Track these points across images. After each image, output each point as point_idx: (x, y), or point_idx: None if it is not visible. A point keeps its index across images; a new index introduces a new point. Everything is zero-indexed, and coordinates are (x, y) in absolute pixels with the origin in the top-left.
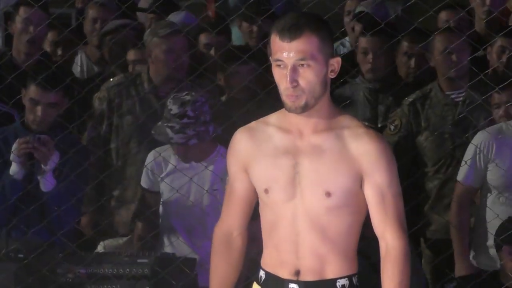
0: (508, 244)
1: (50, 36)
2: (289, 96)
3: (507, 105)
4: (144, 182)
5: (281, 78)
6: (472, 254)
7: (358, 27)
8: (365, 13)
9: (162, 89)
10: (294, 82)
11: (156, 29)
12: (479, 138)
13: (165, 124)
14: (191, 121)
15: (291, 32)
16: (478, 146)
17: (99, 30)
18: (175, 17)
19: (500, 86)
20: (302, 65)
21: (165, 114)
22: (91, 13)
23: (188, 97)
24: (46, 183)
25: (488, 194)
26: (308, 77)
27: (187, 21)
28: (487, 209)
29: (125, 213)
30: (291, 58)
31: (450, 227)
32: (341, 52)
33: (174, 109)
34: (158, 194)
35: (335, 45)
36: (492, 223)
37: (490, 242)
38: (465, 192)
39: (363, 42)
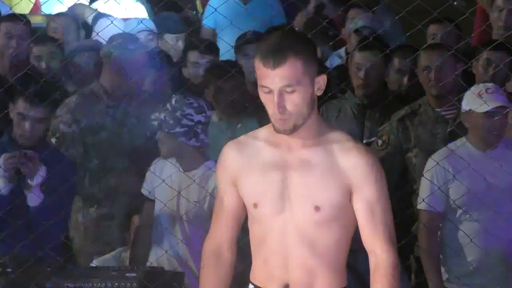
0: None
1: (35, 50)
2: (277, 120)
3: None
4: (144, 190)
5: (268, 102)
6: (445, 276)
7: (355, 41)
8: (368, 29)
9: (120, 98)
10: (281, 107)
11: (124, 44)
12: (432, 163)
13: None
14: (167, 108)
15: (275, 58)
16: (433, 172)
17: (61, 39)
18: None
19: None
20: (288, 90)
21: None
22: (51, 24)
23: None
24: (33, 198)
25: (454, 214)
26: (295, 101)
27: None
28: (457, 229)
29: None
30: (276, 84)
31: (421, 257)
32: (336, 64)
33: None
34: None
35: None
36: (462, 242)
37: (464, 261)
38: (432, 219)
39: (357, 57)
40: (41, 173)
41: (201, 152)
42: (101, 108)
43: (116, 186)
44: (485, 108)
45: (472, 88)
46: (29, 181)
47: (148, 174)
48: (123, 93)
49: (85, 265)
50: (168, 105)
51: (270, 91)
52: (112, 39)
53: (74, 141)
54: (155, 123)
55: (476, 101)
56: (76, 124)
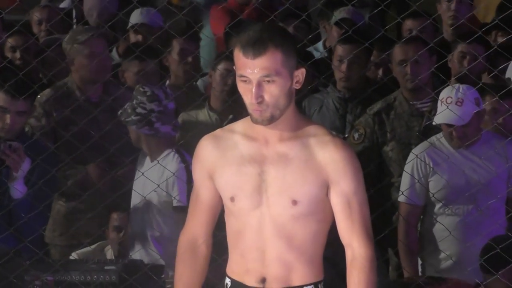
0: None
1: (10, 41)
2: (254, 110)
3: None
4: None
5: (246, 92)
6: (420, 269)
7: (336, 33)
8: (348, 20)
9: (93, 94)
10: (260, 97)
11: (74, 36)
12: (413, 156)
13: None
14: (137, 101)
15: (255, 49)
16: (414, 164)
17: (45, 31)
18: (139, 14)
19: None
20: (267, 81)
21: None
22: (35, 16)
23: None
24: (17, 190)
25: (433, 208)
26: (273, 92)
27: (153, 19)
28: (435, 222)
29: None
30: (255, 74)
31: (399, 248)
32: (315, 57)
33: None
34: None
35: (309, 49)
36: (441, 236)
37: (443, 255)
38: (411, 212)
39: (340, 50)
40: (25, 165)
41: (163, 142)
42: (73, 103)
43: (84, 181)
44: (437, 118)
45: (444, 90)
46: (14, 173)
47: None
48: (95, 87)
49: (55, 258)
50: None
51: (249, 81)
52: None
53: (43, 134)
54: (119, 113)
55: (439, 106)
56: (46, 118)
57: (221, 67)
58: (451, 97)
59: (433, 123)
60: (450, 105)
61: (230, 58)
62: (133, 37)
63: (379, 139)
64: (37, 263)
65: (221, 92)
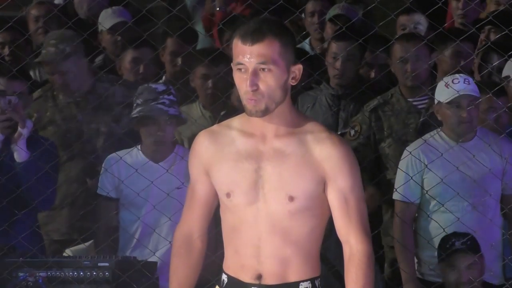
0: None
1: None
2: (249, 100)
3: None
4: (101, 190)
5: (241, 81)
6: (418, 267)
7: (331, 30)
8: (343, 16)
9: (76, 95)
10: (255, 86)
11: (48, 38)
12: (407, 153)
13: (155, 103)
14: (175, 99)
15: (253, 36)
16: (409, 161)
17: (42, 27)
18: (112, 15)
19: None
20: (263, 69)
21: (148, 96)
22: (32, 12)
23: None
24: (21, 152)
25: (428, 205)
26: (269, 81)
27: (126, 16)
28: (430, 220)
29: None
30: (252, 61)
31: (395, 246)
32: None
33: (160, 87)
34: (114, 200)
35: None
36: (436, 233)
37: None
38: (406, 210)
39: (334, 47)
40: (28, 124)
41: (174, 140)
42: (56, 104)
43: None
44: (447, 97)
45: (443, 79)
46: (19, 129)
47: (106, 174)
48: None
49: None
50: (171, 97)
51: (245, 70)
52: None
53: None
54: (177, 112)
55: (443, 92)
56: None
57: (198, 72)
58: (458, 78)
59: (448, 98)
60: (458, 84)
61: (207, 63)
62: (110, 37)
63: (376, 136)
64: (31, 260)
65: (205, 96)
